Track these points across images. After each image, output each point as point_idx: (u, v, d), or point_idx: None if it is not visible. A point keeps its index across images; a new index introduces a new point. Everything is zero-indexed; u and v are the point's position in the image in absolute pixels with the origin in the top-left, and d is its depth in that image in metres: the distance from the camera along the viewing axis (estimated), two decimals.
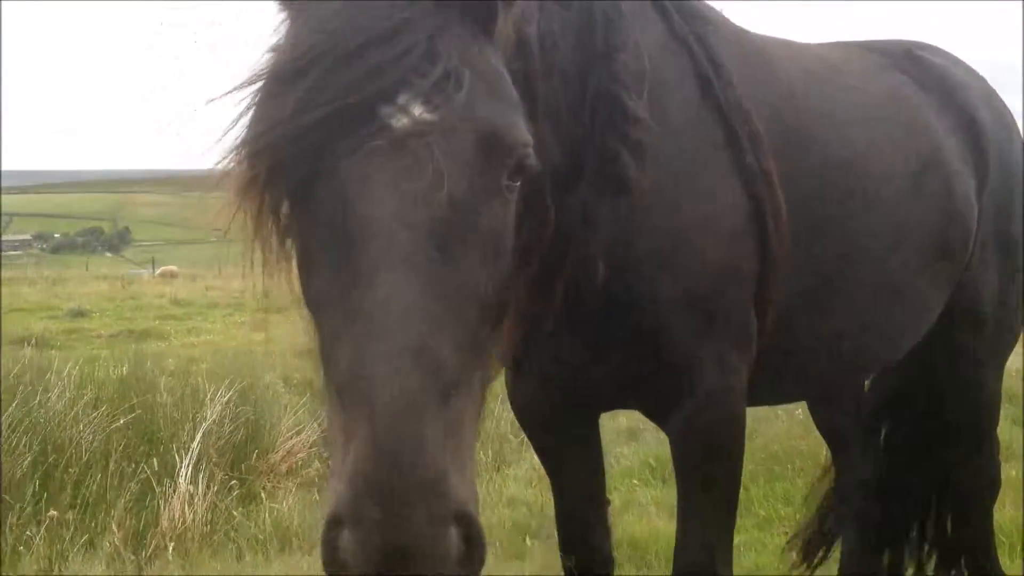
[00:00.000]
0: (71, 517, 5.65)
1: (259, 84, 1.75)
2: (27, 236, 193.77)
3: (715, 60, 2.72)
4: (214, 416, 6.90)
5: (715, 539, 2.74)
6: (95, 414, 6.77)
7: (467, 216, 1.71)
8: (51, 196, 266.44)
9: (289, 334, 13.93)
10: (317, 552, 4.38)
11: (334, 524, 1.53)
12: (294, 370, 10.71)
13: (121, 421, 6.81)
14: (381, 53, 1.67)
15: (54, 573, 5.14)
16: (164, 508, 5.94)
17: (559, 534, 3.19)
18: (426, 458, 1.50)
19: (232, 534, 5.96)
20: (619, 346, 2.64)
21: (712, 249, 2.65)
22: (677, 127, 2.61)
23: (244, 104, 1.76)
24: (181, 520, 5.83)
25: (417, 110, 1.67)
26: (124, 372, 7.93)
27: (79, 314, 18.52)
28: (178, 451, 6.43)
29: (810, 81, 3.18)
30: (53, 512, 5.52)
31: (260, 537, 5.80)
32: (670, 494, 6.02)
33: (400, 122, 1.67)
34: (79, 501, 5.93)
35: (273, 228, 1.82)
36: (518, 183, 1.83)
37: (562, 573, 3.03)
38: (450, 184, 1.66)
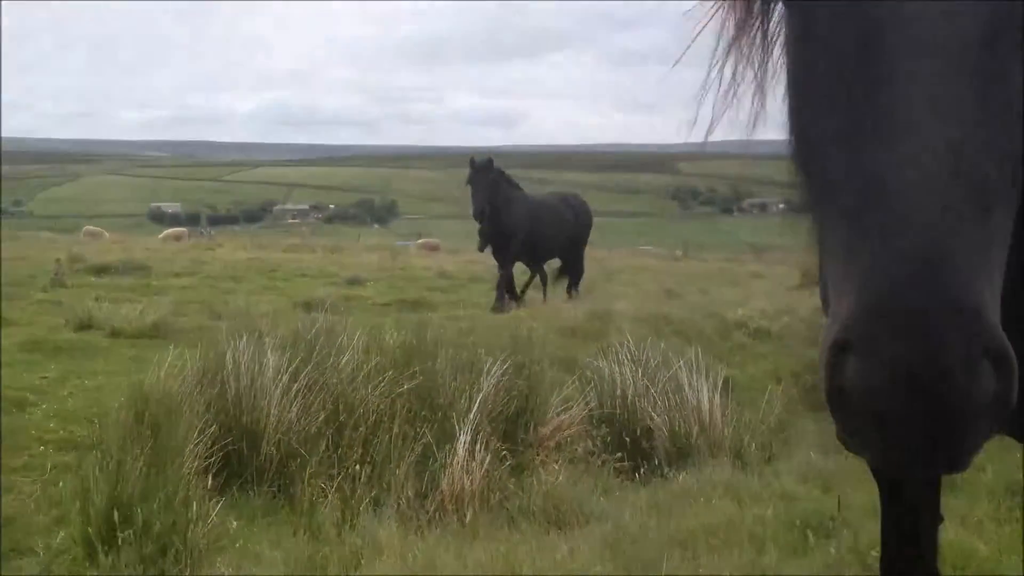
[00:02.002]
0: (361, 474, 5.99)
1: None
2: (305, 206, 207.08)
3: None
4: (489, 387, 7.12)
5: None
6: (381, 378, 7.12)
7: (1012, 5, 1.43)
8: (329, 169, 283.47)
9: (552, 313, 14.18)
10: (589, 528, 4.42)
11: (839, 350, 1.31)
12: (558, 348, 10.88)
13: (404, 386, 7.15)
14: None
15: (347, 527, 5.45)
16: (444, 473, 6.19)
17: (884, 548, 2.94)
18: (962, 276, 1.26)
19: (506, 504, 6.14)
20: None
21: None
22: None
23: None
24: (459, 485, 6.06)
25: None
26: (406, 339, 8.29)
27: (355, 282, 19.48)
28: (457, 419, 6.68)
29: None
30: (356, 468, 5.87)
31: (533, 509, 5.94)
32: (950, 503, 5.67)
33: None
34: (368, 460, 6.27)
35: (760, 35, 1.64)
36: None
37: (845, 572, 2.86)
38: None
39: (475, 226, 16.61)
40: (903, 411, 1.27)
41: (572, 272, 18.34)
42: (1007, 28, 1.42)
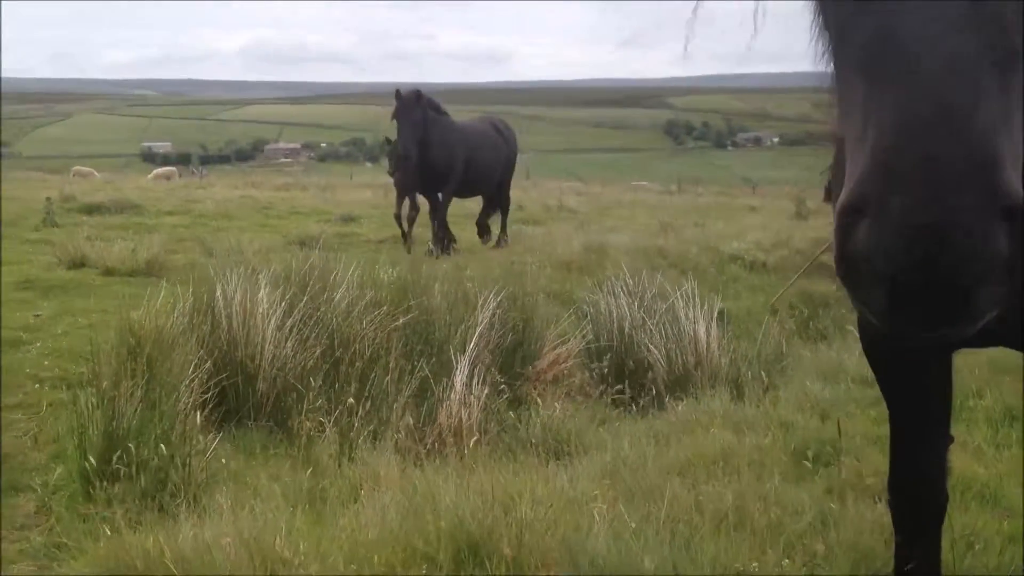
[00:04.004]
0: (358, 409, 5.97)
1: None
2: (296, 145, 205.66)
3: None
4: (485, 321, 7.08)
5: None
6: (376, 313, 7.08)
7: None
8: (320, 107, 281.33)
9: (545, 246, 14.13)
10: (588, 458, 4.41)
11: (850, 212, 1.28)
12: (553, 282, 10.86)
13: (400, 321, 7.11)
14: None
15: (345, 460, 5.44)
16: (441, 406, 6.18)
17: (892, 471, 2.91)
18: (977, 130, 1.20)
19: (504, 436, 6.14)
20: None
21: None
22: None
23: None
24: (458, 419, 6.05)
25: None
26: (400, 274, 8.23)
27: (349, 219, 19.40)
28: (453, 353, 6.65)
29: None
30: (351, 400, 5.85)
31: (531, 440, 5.94)
32: (959, 430, 5.68)
33: None
34: (365, 395, 6.25)
35: None
36: None
37: (845, 497, 2.82)
38: None
39: None
40: (916, 273, 1.22)
41: (500, 207, 16.41)
42: None
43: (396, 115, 14.20)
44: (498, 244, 15.54)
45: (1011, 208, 1.20)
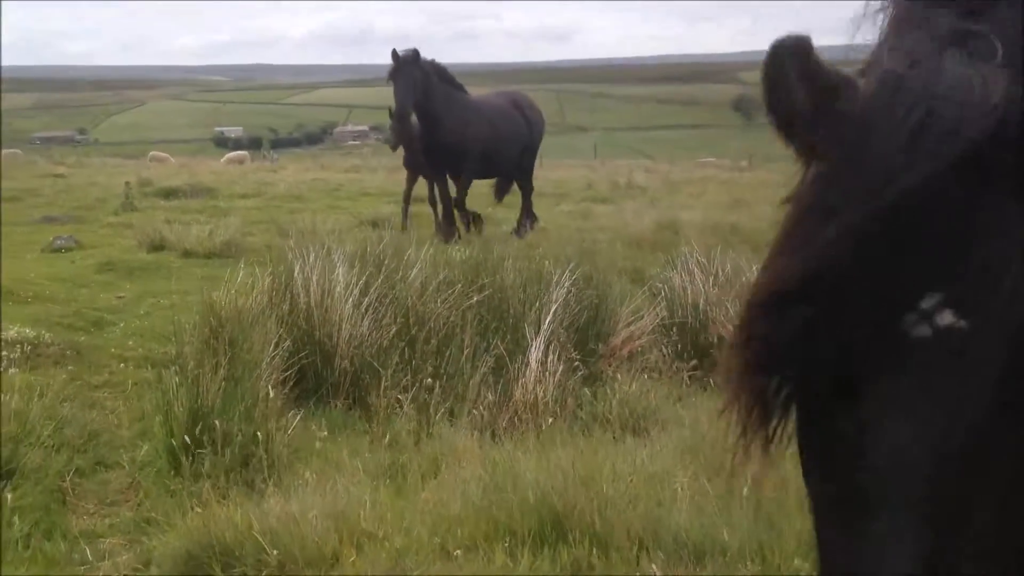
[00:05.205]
0: (435, 386, 6.02)
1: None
2: (364, 127, 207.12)
3: None
4: (560, 298, 7.07)
5: None
6: (450, 291, 7.11)
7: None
8: (386, 89, 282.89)
9: (615, 224, 14.00)
10: (666, 434, 4.35)
11: None
12: (624, 258, 10.80)
13: (473, 299, 7.13)
14: None
15: (424, 436, 5.49)
16: (517, 383, 6.19)
17: None
18: None
19: (580, 412, 6.13)
20: None
21: None
22: None
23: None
24: (533, 395, 6.05)
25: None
26: (473, 253, 8.26)
27: (418, 199, 19.53)
28: (528, 330, 6.66)
29: None
30: (428, 380, 5.90)
31: (608, 417, 5.93)
32: None
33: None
34: (441, 372, 6.30)
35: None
36: None
37: None
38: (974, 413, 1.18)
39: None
40: None
41: (522, 191, 15.25)
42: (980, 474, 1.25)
43: (392, 75, 12.91)
44: (517, 233, 14.34)
45: None
